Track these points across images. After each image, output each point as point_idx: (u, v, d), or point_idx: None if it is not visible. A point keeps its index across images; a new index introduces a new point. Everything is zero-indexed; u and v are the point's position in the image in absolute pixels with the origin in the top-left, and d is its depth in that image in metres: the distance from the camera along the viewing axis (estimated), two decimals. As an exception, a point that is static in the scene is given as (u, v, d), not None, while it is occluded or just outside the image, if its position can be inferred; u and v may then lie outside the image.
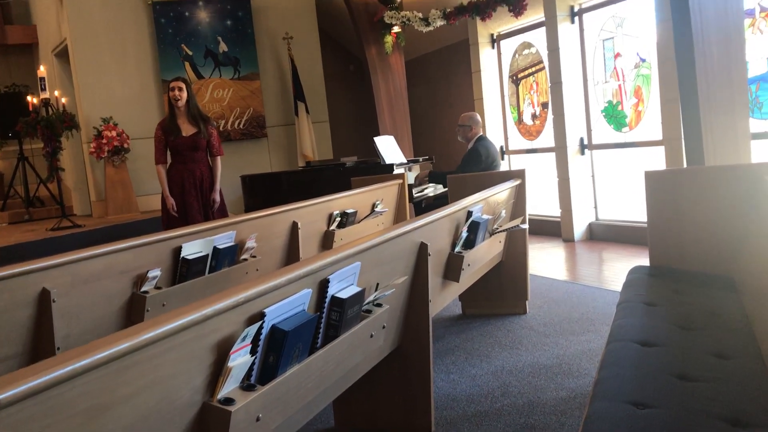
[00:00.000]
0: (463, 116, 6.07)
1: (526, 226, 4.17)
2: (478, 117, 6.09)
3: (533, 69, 8.09)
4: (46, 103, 7.90)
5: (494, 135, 8.52)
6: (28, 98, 8.45)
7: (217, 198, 5.35)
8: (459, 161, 6.10)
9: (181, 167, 5.27)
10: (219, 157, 5.38)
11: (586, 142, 7.15)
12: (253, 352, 1.65)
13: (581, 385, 3.16)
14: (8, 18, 11.45)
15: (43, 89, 7.89)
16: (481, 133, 6.05)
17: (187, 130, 5.23)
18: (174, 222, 5.20)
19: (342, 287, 2.11)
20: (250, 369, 1.68)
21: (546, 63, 7.60)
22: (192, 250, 3.12)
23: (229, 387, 1.60)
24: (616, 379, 1.87)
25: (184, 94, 5.21)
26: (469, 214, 3.39)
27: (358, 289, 2.16)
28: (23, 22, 11.43)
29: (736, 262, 3.04)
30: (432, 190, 6.53)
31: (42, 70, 8.09)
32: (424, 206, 6.41)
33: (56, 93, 8.66)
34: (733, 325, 2.34)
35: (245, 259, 3.48)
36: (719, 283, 2.93)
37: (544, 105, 7.91)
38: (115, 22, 9.02)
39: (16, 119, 8.35)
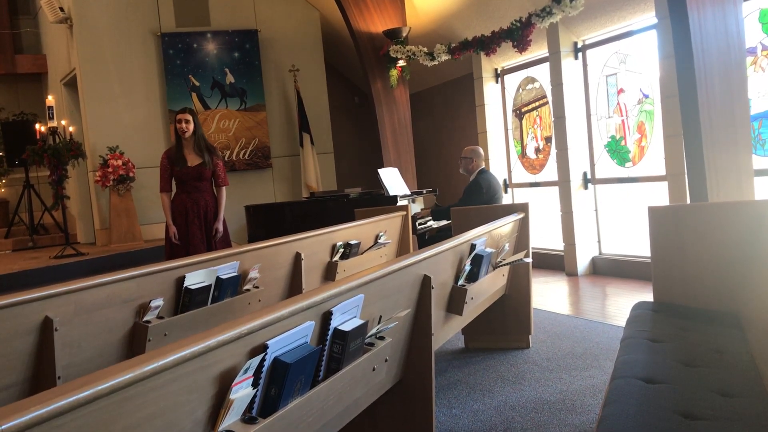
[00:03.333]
0: (466, 149, 6.12)
1: (529, 259, 4.16)
2: (481, 150, 6.13)
3: (537, 103, 8.15)
4: (53, 131, 7.96)
5: (498, 168, 8.56)
6: (36, 126, 8.52)
7: (220, 228, 5.36)
8: (461, 194, 6.12)
9: (185, 196, 5.29)
10: (224, 188, 5.40)
11: (589, 176, 7.18)
12: (255, 384, 1.64)
13: (585, 422, 3.13)
14: (19, 47, 11.61)
15: (51, 118, 7.96)
16: (483, 166, 6.09)
17: (192, 160, 5.26)
18: (177, 251, 5.21)
19: (345, 320, 2.10)
20: (252, 401, 1.67)
21: (549, 97, 7.66)
22: (195, 280, 3.11)
23: (230, 419, 1.59)
24: (620, 416, 1.85)
25: (191, 126, 5.25)
26: (473, 247, 3.39)
27: (361, 321, 2.15)
28: (33, 52, 11.59)
29: (741, 299, 3.03)
30: (435, 222, 6.53)
31: (50, 99, 8.17)
32: (427, 238, 6.41)
33: (63, 122, 8.73)
34: (738, 362, 2.33)
35: (248, 290, 3.47)
36: (724, 320, 2.91)
37: (548, 139, 7.95)
38: (123, 52, 9.15)
39: (24, 147, 8.41)
